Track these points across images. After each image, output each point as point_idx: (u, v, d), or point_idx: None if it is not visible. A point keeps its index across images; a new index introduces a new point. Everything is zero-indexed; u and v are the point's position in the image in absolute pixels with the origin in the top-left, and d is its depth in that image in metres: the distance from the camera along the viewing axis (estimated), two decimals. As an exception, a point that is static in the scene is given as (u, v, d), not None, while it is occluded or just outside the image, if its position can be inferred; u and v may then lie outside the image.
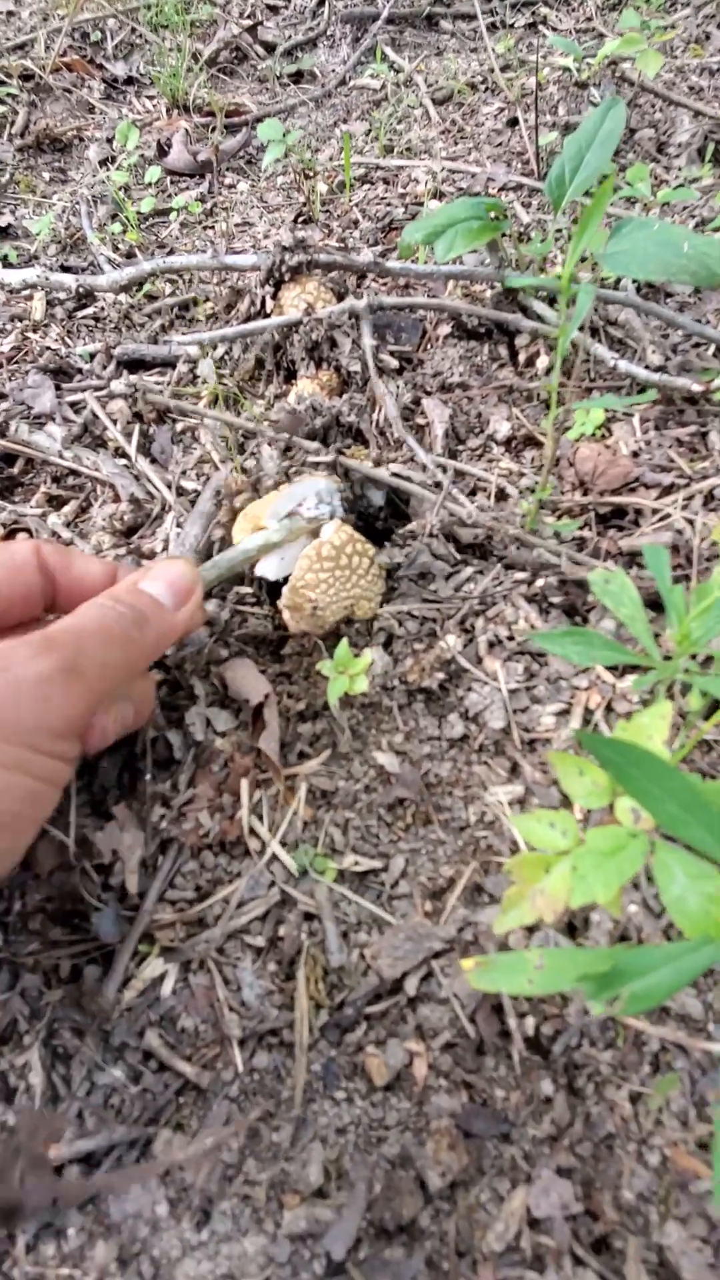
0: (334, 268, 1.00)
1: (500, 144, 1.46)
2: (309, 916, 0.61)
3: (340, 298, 1.02)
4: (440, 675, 0.69)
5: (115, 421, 0.96)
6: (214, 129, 1.59)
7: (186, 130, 1.59)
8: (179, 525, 0.84)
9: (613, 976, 0.38)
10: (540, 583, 0.76)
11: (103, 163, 1.58)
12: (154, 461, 0.95)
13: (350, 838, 0.65)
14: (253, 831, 0.65)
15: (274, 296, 0.99)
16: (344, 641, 0.68)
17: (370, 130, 1.59)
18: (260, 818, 0.65)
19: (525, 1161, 0.52)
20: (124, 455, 0.95)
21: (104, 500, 0.91)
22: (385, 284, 1.12)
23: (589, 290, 0.72)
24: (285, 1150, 0.53)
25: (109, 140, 1.64)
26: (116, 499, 0.90)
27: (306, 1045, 0.56)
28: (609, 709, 0.70)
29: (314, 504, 0.71)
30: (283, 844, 0.64)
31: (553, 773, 0.67)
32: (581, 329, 1.00)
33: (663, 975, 0.38)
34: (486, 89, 1.65)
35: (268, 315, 0.99)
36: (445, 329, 1.01)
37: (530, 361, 1.00)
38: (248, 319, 1.03)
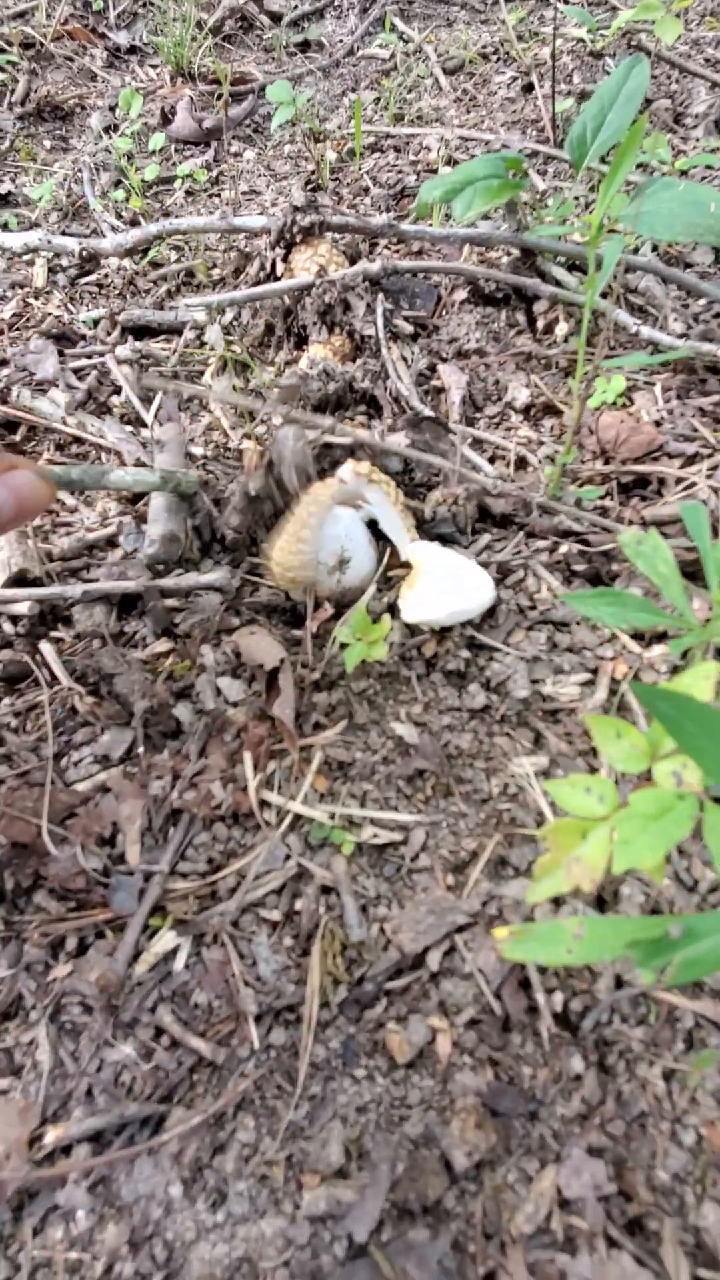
0: (347, 230, 0.97)
1: (514, 112, 1.42)
2: (326, 890, 0.59)
3: (353, 261, 0.98)
4: (464, 653, 0.67)
5: (121, 388, 0.93)
6: (219, 97, 1.55)
7: (191, 98, 1.55)
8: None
9: (662, 944, 0.36)
10: (563, 550, 0.73)
11: (105, 130, 1.54)
12: (158, 424, 0.92)
13: (369, 810, 0.63)
14: (266, 803, 0.62)
15: (285, 259, 0.96)
16: (362, 607, 0.66)
17: (379, 99, 1.55)
18: (275, 789, 0.63)
19: (554, 1141, 0.50)
20: (130, 421, 0.92)
21: (110, 468, 0.88)
22: (399, 250, 1.08)
23: (617, 243, 0.69)
24: (304, 1129, 0.51)
25: (111, 108, 1.60)
26: (122, 465, 0.87)
27: (319, 1022, 0.54)
28: (636, 678, 0.68)
29: (340, 540, 0.69)
30: (298, 816, 0.62)
31: (579, 743, 0.65)
32: (603, 295, 0.97)
33: (714, 943, 0.36)
34: (498, 59, 1.61)
35: (278, 279, 0.96)
36: (461, 294, 0.98)
37: (549, 328, 0.97)
38: (257, 283, 0.99)
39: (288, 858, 0.60)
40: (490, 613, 0.72)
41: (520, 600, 0.72)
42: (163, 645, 0.70)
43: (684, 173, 1.27)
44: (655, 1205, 0.48)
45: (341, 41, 1.76)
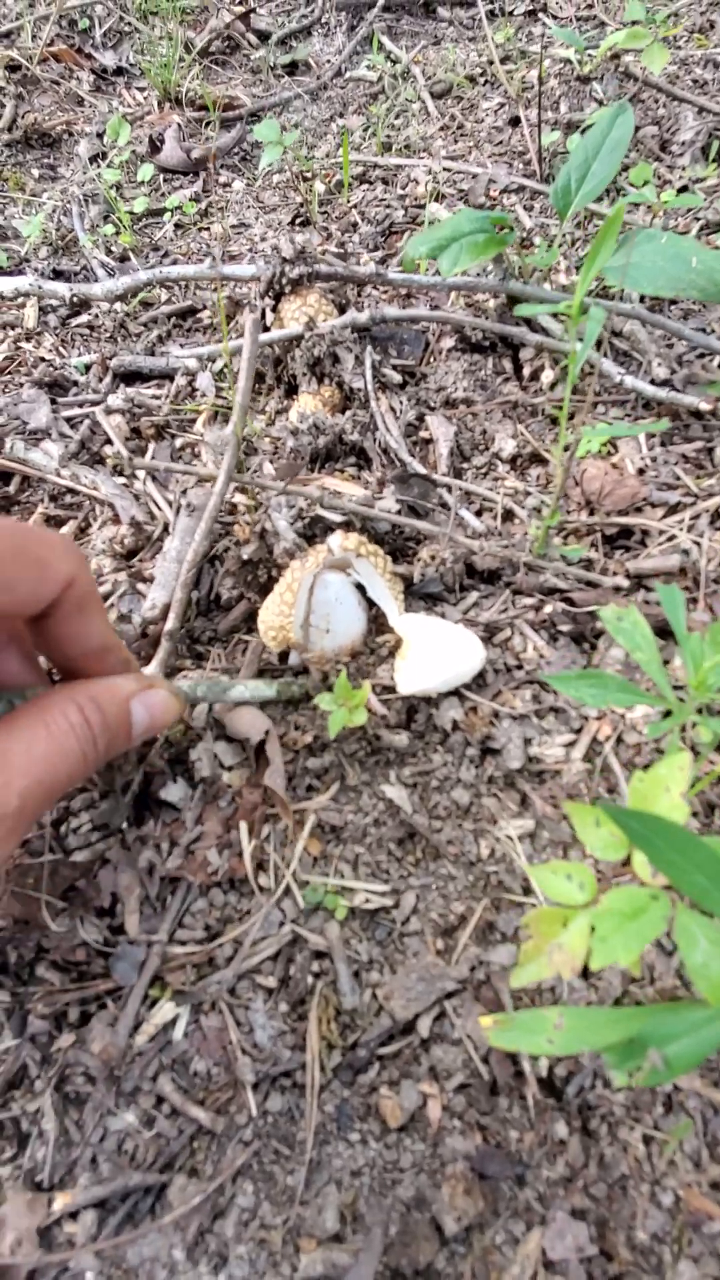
0: (336, 279, 0.98)
1: (501, 143, 1.43)
2: (320, 955, 0.61)
3: (342, 309, 1.00)
4: (453, 715, 0.69)
5: (113, 441, 0.94)
6: (208, 124, 1.55)
7: (179, 125, 1.55)
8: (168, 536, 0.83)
9: (635, 1045, 0.38)
10: (549, 610, 0.75)
11: (93, 159, 1.54)
12: (154, 479, 0.93)
13: (360, 873, 0.65)
14: (261, 867, 0.64)
15: (274, 309, 0.97)
16: (343, 673, 0.68)
17: (368, 126, 1.55)
18: (269, 854, 0.65)
19: (540, 1203, 0.53)
20: (123, 473, 0.93)
21: (103, 520, 0.89)
22: (386, 293, 1.10)
23: (599, 315, 0.71)
24: (300, 1194, 0.53)
25: (99, 135, 1.60)
26: (116, 520, 0.89)
27: (319, 1087, 0.56)
28: (619, 740, 0.70)
29: (331, 605, 0.70)
30: (293, 880, 0.64)
31: (564, 809, 0.67)
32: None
33: (686, 1045, 0.38)
34: (486, 82, 1.62)
35: (268, 328, 0.97)
36: (449, 341, 1.00)
37: (535, 375, 0.98)
38: (247, 331, 1.00)
39: (282, 923, 0.62)
40: (479, 673, 0.74)
41: (507, 659, 0.74)
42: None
43: (666, 213, 1.28)
44: (635, 1264, 0.51)
45: (329, 62, 1.76)
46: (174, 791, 0.66)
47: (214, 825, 0.65)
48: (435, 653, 0.68)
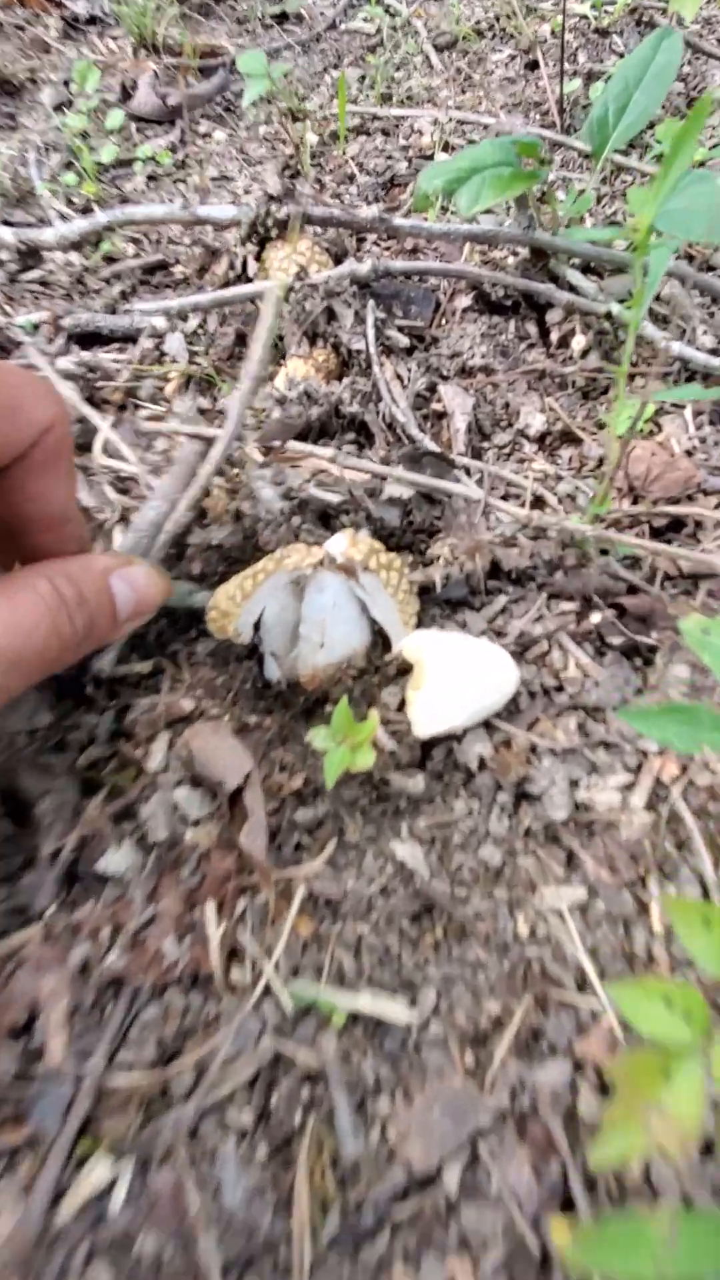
0: (331, 224, 0.83)
1: (514, 94, 1.29)
2: (311, 1078, 0.46)
3: (338, 260, 0.85)
4: (479, 749, 0.54)
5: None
6: (186, 71, 1.39)
7: (155, 72, 1.39)
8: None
9: None
10: (595, 619, 0.61)
11: (58, 108, 1.37)
12: (111, 456, 0.78)
13: (365, 962, 0.50)
14: (234, 958, 0.49)
15: (257, 257, 0.82)
16: (344, 699, 0.53)
17: (365, 77, 1.40)
18: (244, 940, 0.49)
19: None
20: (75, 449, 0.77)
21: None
22: (389, 248, 0.95)
23: (664, 252, 0.57)
24: None
25: (66, 84, 1.44)
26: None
27: (309, 1266, 0.41)
28: (690, 783, 0.56)
29: (326, 611, 0.55)
30: (275, 974, 0.48)
31: (623, 870, 0.52)
32: (621, 303, 0.84)
33: None
34: (494, 35, 1.48)
35: (250, 280, 0.82)
36: (464, 300, 0.85)
37: (564, 341, 0.84)
38: (225, 284, 0.85)
39: (261, 1035, 0.47)
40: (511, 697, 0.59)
41: (545, 679, 0.60)
42: (105, 749, 0.56)
43: (702, 164, 1.15)
44: None
45: (323, 14, 1.61)
46: (118, 859, 0.50)
47: (171, 903, 0.49)
48: (458, 679, 0.53)
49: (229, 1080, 0.45)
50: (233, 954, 0.49)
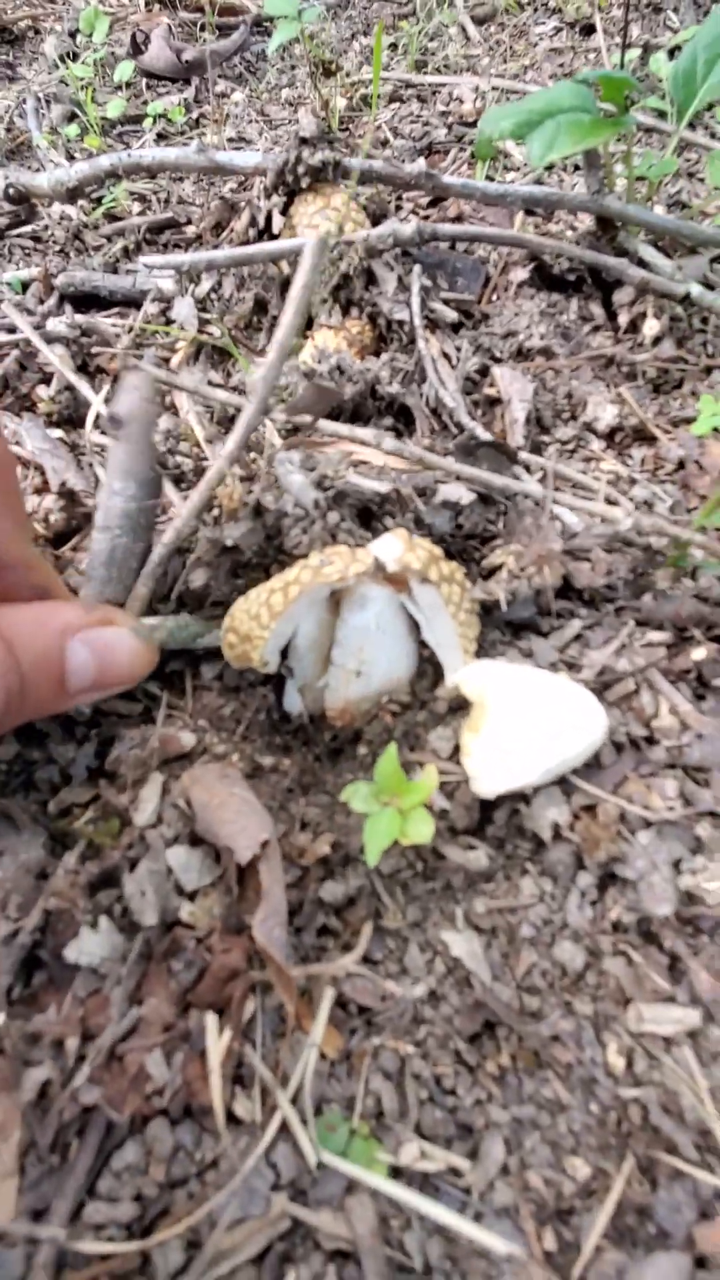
0: (371, 178, 0.72)
1: (562, 64, 1.18)
2: (341, 1256, 0.34)
3: (376, 221, 0.73)
4: (551, 814, 0.43)
5: (50, 376, 0.67)
6: (203, 26, 1.28)
7: (169, 26, 1.28)
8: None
9: None
10: (697, 654, 0.49)
11: (62, 58, 1.26)
12: (104, 435, 0.66)
13: (409, 1096, 0.38)
14: (240, 1084, 0.37)
15: (284, 211, 0.71)
16: (391, 750, 0.41)
17: (397, 44, 1.30)
18: (254, 1060, 0.38)
19: None
20: (60, 422, 0.65)
21: (26, 488, 0.62)
22: (428, 214, 0.84)
23: None
24: None
25: (71, 34, 1.33)
26: (44, 487, 0.61)
27: None
28: None
29: (367, 634, 0.44)
30: (293, 1108, 0.37)
31: (740, 980, 0.41)
32: (707, 285, 0.74)
33: None
34: (535, 8, 1.38)
35: (275, 237, 0.71)
36: (520, 274, 0.74)
37: (634, 325, 0.73)
38: (245, 242, 0.74)
39: (275, 1191, 0.35)
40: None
41: (632, 728, 0.48)
42: (82, 792, 0.44)
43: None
44: None
45: (351, -20, 1.50)
46: (93, 944, 0.38)
47: (160, 1005, 0.37)
48: (529, 723, 0.42)
49: (230, 1256, 0.33)
50: (238, 1079, 0.38)
